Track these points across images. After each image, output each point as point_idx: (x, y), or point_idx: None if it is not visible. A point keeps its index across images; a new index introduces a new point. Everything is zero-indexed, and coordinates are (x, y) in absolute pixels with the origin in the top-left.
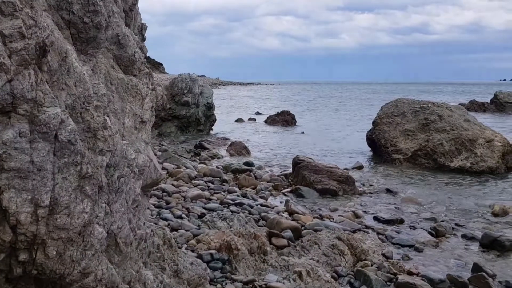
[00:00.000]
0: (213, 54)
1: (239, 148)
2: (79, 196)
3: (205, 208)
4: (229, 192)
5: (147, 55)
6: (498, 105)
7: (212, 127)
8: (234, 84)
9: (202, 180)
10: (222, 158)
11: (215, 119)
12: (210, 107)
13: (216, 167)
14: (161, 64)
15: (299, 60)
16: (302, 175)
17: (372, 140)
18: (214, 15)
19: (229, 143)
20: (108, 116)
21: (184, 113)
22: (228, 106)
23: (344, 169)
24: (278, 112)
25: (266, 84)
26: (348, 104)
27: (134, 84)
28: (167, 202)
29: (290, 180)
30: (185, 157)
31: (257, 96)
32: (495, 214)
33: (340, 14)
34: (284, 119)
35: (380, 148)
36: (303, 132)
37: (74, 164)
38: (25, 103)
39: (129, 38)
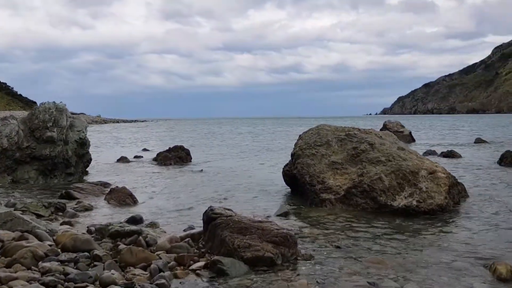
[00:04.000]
0: (93, 91)
1: (122, 196)
2: None
3: None
4: (103, 284)
5: (18, 93)
6: None
7: (87, 170)
8: (118, 122)
9: (57, 261)
10: (98, 210)
11: (90, 159)
12: (83, 143)
13: (87, 229)
14: (35, 102)
15: (184, 98)
16: (220, 238)
17: (292, 176)
18: (93, 52)
19: (109, 189)
20: None
21: (48, 153)
22: (109, 143)
23: (267, 217)
24: (170, 148)
25: (152, 121)
26: (239, 138)
27: None
28: None
29: (201, 245)
30: (41, 215)
31: (144, 132)
32: (502, 279)
33: (220, 53)
34: (177, 156)
35: (304, 186)
36: (202, 170)
37: None
38: None
39: None
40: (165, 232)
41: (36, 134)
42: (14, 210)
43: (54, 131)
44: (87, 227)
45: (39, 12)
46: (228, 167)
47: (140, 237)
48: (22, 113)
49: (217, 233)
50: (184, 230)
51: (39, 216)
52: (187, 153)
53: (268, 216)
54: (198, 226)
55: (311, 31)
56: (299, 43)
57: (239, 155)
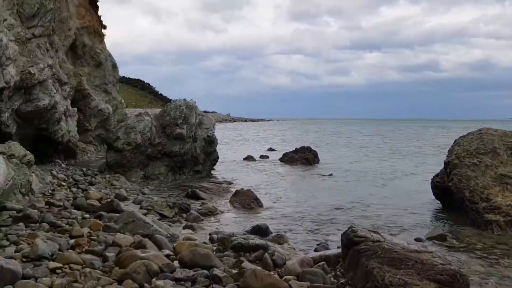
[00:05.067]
0: (224, 91)
1: (247, 200)
2: None
3: None
4: None
5: (160, 92)
6: None
7: (214, 168)
8: (246, 121)
9: (172, 279)
10: (222, 214)
11: (218, 157)
12: (211, 141)
13: (210, 237)
14: (171, 101)
15: (310, 97)
16: (366, 269)
17: (444, 189)
18: (224, 54)
19: (234, 190)
20: None
21: (178, 150)
22: (236, 141)
23: (415, 239)
24: (296, 148)
25: (277, 120)
26: (368, 139)
27: None
28: None
29: (339, 273)
30: (165, 215)
31: (270, 131)
32: None
33: (348, 52)
34: (304, 157)
35: (462, 202)
36: (331, 174)
37: None
38: None
39: None
40: (294, 249)
41: (167, 130)
42: (140, 208)
43: (183, 128)
44: (210, 234)
45: (178, 18)
46: (360, 171)
47: (266, 254)
48: None
49: (361, 262)
50: (316, 250)
51: (163, 216)
52: (315, 154)
53: (419, 239)
54: (332, 243)
55: (448, 27)
56: (435, 40)
57: (370, 159)
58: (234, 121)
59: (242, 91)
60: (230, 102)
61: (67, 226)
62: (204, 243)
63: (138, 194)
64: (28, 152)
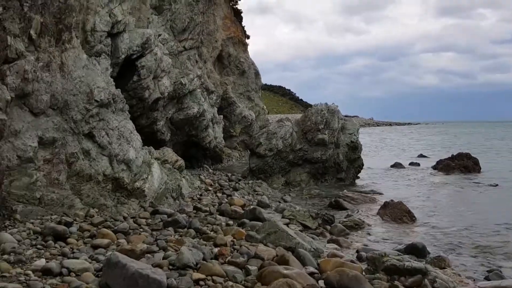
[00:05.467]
0: (366, 94)
1: (398, 213)
2: None
3: None
4: None
5: (300, 98)
6: None
7: (358, 175)
8: (390, 125)
9: None
10: (370, 228)
11: (362, 164)
12: (355, 147)
13: (357, 254)
14: (312, 106)
15: (462, 98)
16: None
17: None
18: (366, 56)
19: (382, 202)
20: None
21: (319, 156)
22: (381, 147)
23: None
24: (452, 155)
25: (426, 124)
26: None
27: None
28: None
29: None
30: (308, 226)
31: (418, 136)
32: None
33: (509, 47)
34: (462, 165)
35: None
36: (496, 185)
37: None
38: None
39: None
40: (459, 275)
41: (308, 136)
42: (282, 217)
43: (325, 134)
44: (357, 251)
45: (317, 23)
46: None
47: (426, 281)
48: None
49: None
50: (487, 278)
51: (305, 227)
52: (475, 162)
53: None
54: (506, 270)
55: None
56: None
57: None
58: (378, 126)
59: (386, 93)
60: (373, 105)
61: (211, 233)
62: (352, 261)
63: (280, 202)
64: (179, 158)
